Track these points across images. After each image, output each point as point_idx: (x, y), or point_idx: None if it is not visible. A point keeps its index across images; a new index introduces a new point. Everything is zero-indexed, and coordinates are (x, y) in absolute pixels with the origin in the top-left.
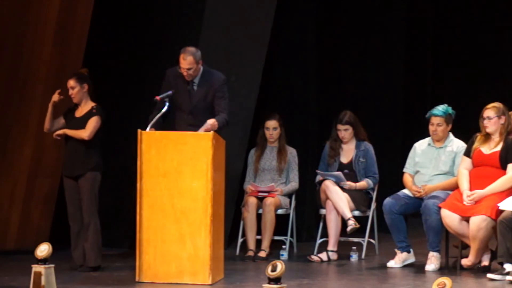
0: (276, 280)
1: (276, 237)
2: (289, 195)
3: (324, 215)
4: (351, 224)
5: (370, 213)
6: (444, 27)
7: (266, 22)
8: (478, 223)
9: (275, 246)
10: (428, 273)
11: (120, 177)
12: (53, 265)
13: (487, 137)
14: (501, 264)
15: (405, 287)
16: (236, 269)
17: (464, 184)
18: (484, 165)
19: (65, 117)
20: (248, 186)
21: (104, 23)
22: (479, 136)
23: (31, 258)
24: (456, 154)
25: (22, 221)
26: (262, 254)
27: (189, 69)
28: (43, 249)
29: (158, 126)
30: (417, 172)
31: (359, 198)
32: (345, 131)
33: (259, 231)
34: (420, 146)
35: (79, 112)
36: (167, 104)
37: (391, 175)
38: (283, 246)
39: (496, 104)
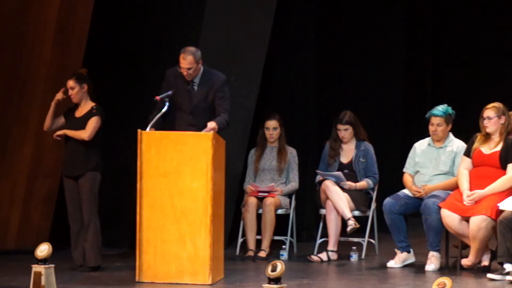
0: (276, 280)
1: (276, 237)
2: (289, 195)
3: (324, 215)
4: (351, 224)
5: (370, 213)
6: (444, 27)
7: (266, 22)
8: (478, 223)
9: (275, 246)
10: (428, 273)
11: (120, 177)
12: (53, 265)
13: (487, 137)
14: (501, 264)
15: (405, 287)
16: (236, 269)
17: (464, 184)
18: (484, 165)
19: (65, 116)
20: (248, 186)
21: (104, 23)
22: (479, 136)
23: (31, 258)
24: (456, 154)
25: (22, 221)
26: (262, 254)
27: (189, 68)
28: (43, 249)
29: (158, 126)
30: (417, 172)
31: (359, 198)
32: (345, 131)
33: (259, 231)
34: (420, 146)
35: (79, 112)
36: (167, 104)
37: (391, 175)
38: (283, 246)
39: (496, 104)
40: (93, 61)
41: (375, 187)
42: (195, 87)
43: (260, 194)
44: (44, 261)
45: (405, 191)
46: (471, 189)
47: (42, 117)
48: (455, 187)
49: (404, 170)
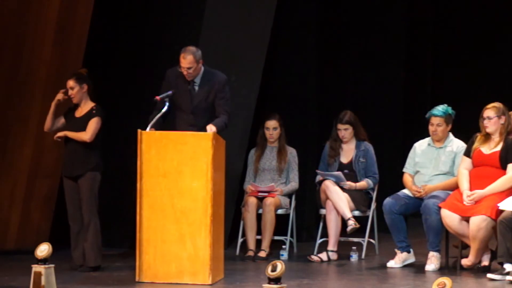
0: (276, 280)
1: (276, 237)
2: (289, 195)
3: (324, 215)
4: (351, 224)
5: (370, 213)
6: (444, 27)
7: (266, 22)
8: (478, 223)
9: (275, 246)
10: (428, 273)
11: (120, 177)
12: (53, 265)
13: (487, 137)
14: (501, 264)
15: (405, 287)
16: (236, 269)
17: (464, 184)
18: (484, 165)
19: (65, 117)
20: (248, 186)
21: (104, 23)
22: (479, 136)
23: (31, 258)
24: (456, 154)
25: (22, 221)
26: (262, 254)
27: (189, 68)
28: (43, 249)
29: (158, 126)
30: (417, 172)
31: (359, 198)
32: (345, 131)
33: (259, 231)
34: (420, 146)
35: (79, 112)
36: (167, 104)
37: (391, 175)
38: (283, 246)
39: (496, 104)
40: (93, 61)
41: (375, 187)
42: (196, 87)
43: (260, 194)
44: (44, 261)
45: (405, 191)
46: (471, 189)
47: (42, 117)
48: (455, 187)
49: (404, 170)
